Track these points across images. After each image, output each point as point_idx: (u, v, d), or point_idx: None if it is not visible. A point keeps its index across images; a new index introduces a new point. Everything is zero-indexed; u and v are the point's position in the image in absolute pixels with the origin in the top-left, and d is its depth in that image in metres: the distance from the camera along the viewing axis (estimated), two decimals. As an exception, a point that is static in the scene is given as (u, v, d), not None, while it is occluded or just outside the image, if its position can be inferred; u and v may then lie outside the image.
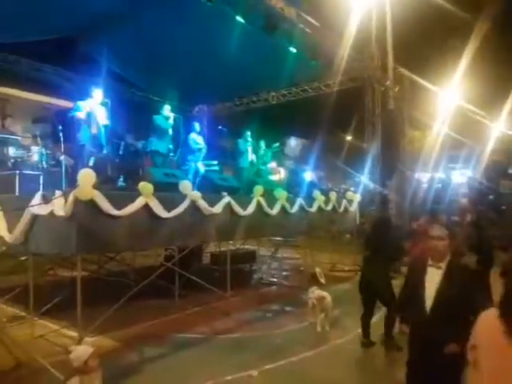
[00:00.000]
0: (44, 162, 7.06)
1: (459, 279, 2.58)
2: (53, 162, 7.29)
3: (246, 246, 9.75)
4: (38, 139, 7.40)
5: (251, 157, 9.01)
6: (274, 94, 12.56)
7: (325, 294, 5.16)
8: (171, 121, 7.12)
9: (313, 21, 7.90)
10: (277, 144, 9.25)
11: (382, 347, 4.47)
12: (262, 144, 9.13)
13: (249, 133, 8.96)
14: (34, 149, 7.31)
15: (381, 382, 3.92)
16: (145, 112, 11.95)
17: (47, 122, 8.84)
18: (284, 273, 8.86)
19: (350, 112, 16.11)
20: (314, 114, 15.01)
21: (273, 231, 7.07)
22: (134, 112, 11.24)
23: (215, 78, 10.84)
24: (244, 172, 8.75)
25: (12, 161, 6.99)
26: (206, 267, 8.79)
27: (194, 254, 7.56)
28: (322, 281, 7.65)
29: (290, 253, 10.04)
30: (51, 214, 4.56)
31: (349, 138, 17.77)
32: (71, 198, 4.37)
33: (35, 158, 7.23)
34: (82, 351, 2.75)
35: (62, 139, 6.77)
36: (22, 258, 6.39)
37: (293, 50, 8.22)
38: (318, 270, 7.87)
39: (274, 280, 8.18)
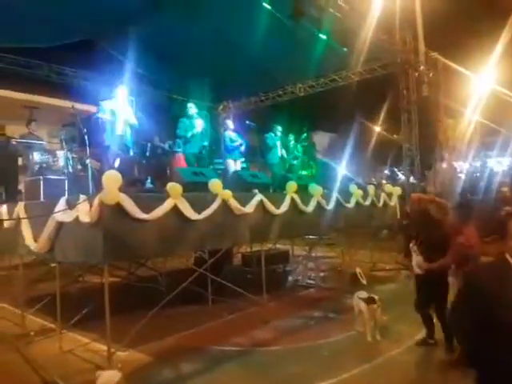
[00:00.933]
0: (70, 167, 6.88)
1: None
2: (79, 167, 7.12)
3: (278, 246, 9.33)
4: (64, 143, 7.24)
5: (280, 152, 8.62)
6: (300, 85, 12.04)
7: (374, 297, 4.66)
8: (196, 119, 6.82)
9: (342, 3, 7.34)
10: (304, 135, 8.77)
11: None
12: (292, 138, 8.69)
13: (279, 127, 8.54)
14: (60, 153, 7.12)
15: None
16: (170, 112, 11.78)
17: (72, 126, 8.72)
18: (321, 274, 8.36)
19: (381, 101, 15.44)
20: (343, 104, 14.46)
21: (308, 229, 6.60)
22: (159, 113, 11.06)
23: (240, 73, 10.49)
24: (274, 168, 8.36)
25: (37, 166, 6.82)
26: (237, 269, 8.42)
27: (225, 256, 7.21)
28: (364, 282, 7.15)
29: (324, 251, 9.55)
30: (76, 220, 4.28)
31: (379, 128, 17.02)
32: (96, 202, 4.06)
33: (61, 162, 7.05)
34: (108, 378, 2.41)
35: (87, 142, 6.57)
36: (52, 265, 6.22)
37: (322, 36, 7.70)
38: (358, 270, 7.35)
39: (312, 282, 7.70)
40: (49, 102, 15.53)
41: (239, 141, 7.99)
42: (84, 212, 4.23)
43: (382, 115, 16.65)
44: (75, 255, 4.40)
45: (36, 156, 6.98)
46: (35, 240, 5.00)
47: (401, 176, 12.85)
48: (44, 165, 7.04)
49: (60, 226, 4.59)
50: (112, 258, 4.13)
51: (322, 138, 18.49)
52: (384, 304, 4.78)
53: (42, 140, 7.49)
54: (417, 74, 10.65)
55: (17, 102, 15.19)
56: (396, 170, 12.88)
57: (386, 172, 12.24)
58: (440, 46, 11.62)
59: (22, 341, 4.90)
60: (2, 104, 14.36)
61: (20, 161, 7.29)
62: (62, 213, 4.54)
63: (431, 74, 10.98)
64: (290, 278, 8.16)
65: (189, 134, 6.74)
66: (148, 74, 11.83)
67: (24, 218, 4.99)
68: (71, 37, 9.56)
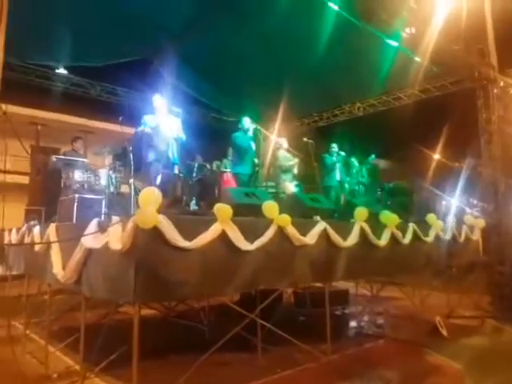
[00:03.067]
0: (112, 186, 6.37)
1: None
2: (122, 187, 6.60)
3: (334, 283, 8.17)
4: (106, 161, 6.79)
5: (340, 175, 7.70)
6: (360, 104, 11.08)
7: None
8: (251, 133, 6.10)
9: (414, 5, 6.42)
10: (372, 156, 7.79)
11: None
12: (355, 161, 7.74)
13: (335, 146, 7.67)
14: (103, 172, 6.62)
15: None
16: (218, 133, 11.27)
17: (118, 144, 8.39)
18: (390, 320, 7.09)
19: (443, 121, 14.15)
20: (403, 126, 13.33)
21: (381, 269, 5.42)
22: (207, 134, 10.59)
23: (293, 94, 9.80)
24: (331, 191, 7.42)
25: (77, 185, 6.33)
26: (288, 309, 7.33)
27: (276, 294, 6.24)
28: (444, 333, 5.90)
29: (389, 290, 8.25)
30: (105, 246, 3.55)
31: (447, 153, 15.54)
32: (130, 225, 3.31)
33: (103, 182, 6.56)
34: None
35: (132, 161, 6.04)
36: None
37: (392, 42, 6.79)
38: (438, 318, 6.11)
39: (379, 331, 6.45)
40: (104, 127, 15.77)
41: (294, 161, 7.23)
42: (115, 237, 3.49)
43: (446, 138, 15.30)
44: (102, 290, 3.63)
45: (77, 174, 6.51)
46: (63, 268, 4.35)
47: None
48: (85, 184, 6.58)
49: (89, 252, 3.90)
50: (144, 297, 3.31)
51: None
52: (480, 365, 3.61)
53: (84, 158, 7.04)
54: (495, 91, 9.39)
55: (73, 126, 15.56)
56: (471, 200, 11.34)
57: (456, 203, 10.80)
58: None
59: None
60: (59, 128, 14.67)
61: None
62: (92, 237, 3.85)
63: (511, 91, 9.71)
64: (353, 324, 6.95)
65: (245, 144, 6.07)
66: (197, 94, 11.45)
67: (44, 243, 4.36)
68: (123, 56, 9.43)
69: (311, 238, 4.57)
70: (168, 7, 7.39)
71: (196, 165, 6.56)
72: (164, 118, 5.52)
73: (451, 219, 6.77)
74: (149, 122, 5.55)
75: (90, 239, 3.84)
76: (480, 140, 9.13)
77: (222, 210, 3.72)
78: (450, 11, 7.49)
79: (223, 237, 3.69)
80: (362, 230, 5.12)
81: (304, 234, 4.50)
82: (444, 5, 7.37)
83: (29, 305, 5.93)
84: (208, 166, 7.45)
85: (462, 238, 6.88)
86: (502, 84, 9.44)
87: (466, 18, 8.36)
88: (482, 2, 8.76)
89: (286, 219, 4.30)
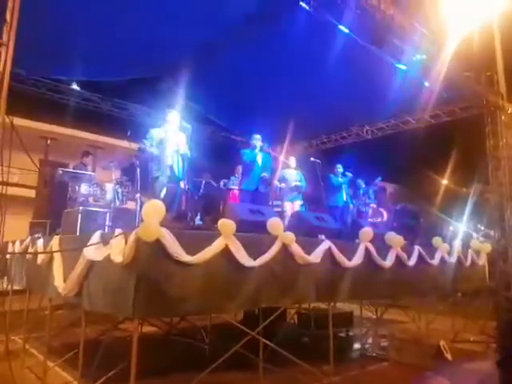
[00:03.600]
0: (118, 201, 6.37)
1: None
2: (128, 203, 6.61)
3: (338, 305, 8.03)
4: (113, 176, 6.81)
5: (346, 196, 7.67)
6: (368, 127, 11.12)
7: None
8: (258, 154, 6.14)
9: (425, 32, 6.50)
10: (379, 178, 7.79)
11: None
12: (362, 182, 7.73)
13: (340, 166, 7.69)
14: (109, 186, 6.64)
15: None
16: (227, 152, 11.32)
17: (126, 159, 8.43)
18: (394, 343, 6.93)
19: (451, 146, 14.16)
20: (411, 151, 13.35)
21: (386, 290, 5.31)
22: (216, 152, 10.64)
23: (303, 115, 9.88)
24: (337, 211, 7.38)
25: (82, 198, 6.34)
26: (291, 329, 7.20)
27: (279, 313, 6.13)
28: (449, 357, 5.76)
29: (393, 313, 8.09)
30: (107, 259, 3.52)
31: (455, 178, 15.51)
32: (132, 238, 3.29)
33: (109, 196, 6.57)
34: None
35: (138, 175, 6.06)
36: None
37: (401, 67, 6.84)
38: (442, 342, 5.98)
39: (383, 353, 6.30)
40: (114, 143, 15.89)
41: (298, 181, 7.23)
42: (117, 249, 3.47)
43: (454, 164, 15.26)
44: (102, 304, 3.59)
45: (83, 187, 6.52)
46: (65, 280, 4.32)
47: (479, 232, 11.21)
48: (90, 197, 6.59)
49: (91, 265, 3.87)
50: (144, 312, 3.25)
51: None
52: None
53: (91, 171, 7.08)
54: (503, 118, 9.43)
55: (81, 141, 15.70)
56: (478, 225, 11.22)
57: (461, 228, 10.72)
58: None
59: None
60: (69, 143, 14.82)
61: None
62: (93, 249, 3.83)
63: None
64: (356, 346, 6.80)
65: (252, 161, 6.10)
66: (206, 112, 11.55)
67: (46, 253, 4.34)
68: (136, 73, 9.55)
69: (315, 256, 4.51)
70: (182, 30, 7.48)
71: (203, 182, 6.57)
72: (171, 133, 5.56)
73: (458, 243, 6.67)
74: (155, 135, 5.58)
75: (92, 251, 3.82)
76: (488, 166, 9.12)
77: (226, 225, 3.69)
78: (461, 39, 7.58)
79: (226, 252, 3.65)
80: (367, 251, 5.05)
81: (308, 253, 4.44)
82: (455, 32, 7.46)
83: (29, 319, 5.86)
84: (215, 183, 7.47)
85: (468, 263, 6.77)
86: (510, 111, 9.48)
87: (476, 46, 8.48)
88: (492, 31, 8.87)
89: (290, 237, 4.26)
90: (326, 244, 4.68)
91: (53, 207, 6.85)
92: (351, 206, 7.89)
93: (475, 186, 13.19)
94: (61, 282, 4.31)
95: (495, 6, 8.21)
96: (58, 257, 4.54)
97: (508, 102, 9.53)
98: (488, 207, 9.63)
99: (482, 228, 11.08)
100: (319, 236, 4.91)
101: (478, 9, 7.80)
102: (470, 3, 7.69)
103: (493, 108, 9.06)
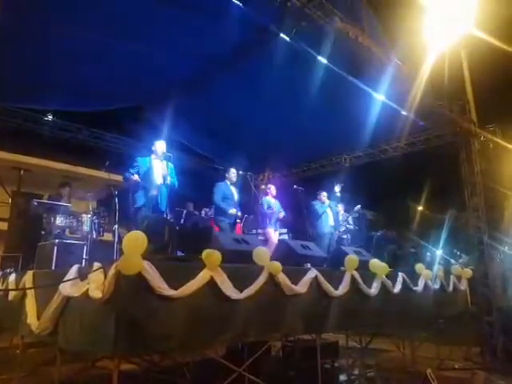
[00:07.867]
0: (95, 232, 6.16)
1: None
2: (104, 233, 6.39)
3: (323, 334, 7.85)
4: (90, 206, 6.60)
5: (331, 222, 7.67)
6: (346, 156, 11.30)
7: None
8: (234, 186, 6.15)
9: (398, 62, 6.74)
10: (358, 206, 7.85)
11: None
12: (341, 209, 7.75)
13: (324, 193, 7.71)
14: (86, 217, 6.41)
15: None
16: (207, 180, 11.22)
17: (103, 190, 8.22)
18: (381, 373, 6.77)
19: (428, 173, 14.46)
20: (388, 178, 13.58)
21: (373, 320, 5.19)
22: (198, 181, 10.54)
23: (282, 145, 10.00)
24: (322, 240, 7.34)
25: (58, 230, 6.08)
26: (276, 361, 6.96)
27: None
28: (436, 386, 5.66)
29: (379, 342, 7.96)
30: (85, 295, 3.33)
31: (432, 205, 15.79)
32: (111, 272, 3.14)
33: (85, 227, 6.33)
34: None
35: (117, 206, 5.90)
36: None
37: (380, 97, 7.03)
38: (429, 371, 5.88)
39: (371, 385, 6.15)
40: (90, 174, 15.51)
41: (275, 209, 7.21)
42: (96, 285, 3.29)
43: (431, 190, 15.55)
44: (80, 342, 3.37)
45: (58, 219, 6.27)
46: (38, 318, 4.07)
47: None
48: (66, 229, 6.34)
49: (67, 301, 3.66)
50: (124, 350, 3.05)
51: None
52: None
53: (67, 203, 6.84)
54: (476, 144, 9.75)
55: (57, 172, 15.27)
56: (455, 251, 11.36)
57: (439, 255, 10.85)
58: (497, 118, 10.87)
59: None
60: (42, 174, 14.38)
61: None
62: (70, 285, 3.63)
63: (491, 145, 10.09)
64: (343, 378, 6.61)
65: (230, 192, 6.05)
66: (187, 142, 11.50)
67: (19, 290, 4.11)
68: (115, 104, 9.47)
69: (302, 286, 4.41)
70: (164, 61, 7.50)
71: (184, 211, 6.46)
72: (157, 162, 5.48)
73: (438, 268, 6.70)
74: (141, 165, 5.49)
75: (69, 287, 3.62)
76: (463, 191, 9.32)
77: (211, 255, 3.58)
78: (432, 68, 7.87)
79: (212, 284, 3.52)
80: (353, 279, 4.99)
81: (295, 282, 4.34)
82: (427, 62, 7.76)
83: (-2, 360, 5.48)
84: (197, 212, 7.35)
85: (451, 289, 6.79)
86: (482, 138, 9.82)
87: (447, 75, 8.83)
88: (460, 59, 9.25)
89: (277, 266, 4.16)
90: (313, 273, 4.60)
91: (26, 240, 6.57)
92: (337, 231, 7.89)
93: (450, 212, 13.47)
94: (34, 319, 4.06)
95: (460, 34, 8.58)
96: (31, 293, 4.29)
97: (480, 128, 9.91)
98: (464, 232, 9.80)
99: (459, 254, 11.24)
100: (305, 265, 4.83)
101: (445, 36, 8.15)
102: (438, 31, 8.03)
103: (466, 135, 9.35)
